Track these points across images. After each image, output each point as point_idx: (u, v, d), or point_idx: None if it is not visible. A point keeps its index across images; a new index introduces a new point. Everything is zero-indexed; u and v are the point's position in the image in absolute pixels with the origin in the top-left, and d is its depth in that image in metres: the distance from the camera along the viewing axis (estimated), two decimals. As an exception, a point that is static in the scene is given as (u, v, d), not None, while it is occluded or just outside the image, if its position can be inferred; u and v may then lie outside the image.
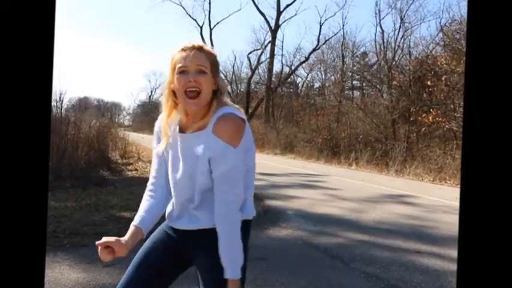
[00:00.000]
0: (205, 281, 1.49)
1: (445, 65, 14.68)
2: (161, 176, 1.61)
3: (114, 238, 1.46)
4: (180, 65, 1.45)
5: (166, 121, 1.53)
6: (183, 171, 1.49)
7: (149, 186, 1.65)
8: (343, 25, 34.89)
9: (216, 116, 1.43)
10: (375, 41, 22.79)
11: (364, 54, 26.21)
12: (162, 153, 1.57)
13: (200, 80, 1.43)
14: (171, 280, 1.60)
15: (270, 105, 27.81)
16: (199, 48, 1.48)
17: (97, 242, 1.46)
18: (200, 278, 1.52)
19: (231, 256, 1.41)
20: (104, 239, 1.45)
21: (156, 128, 1.61)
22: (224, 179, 1.43)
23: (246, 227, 1.49)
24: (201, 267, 1.52)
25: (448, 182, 11.41)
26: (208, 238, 1.47)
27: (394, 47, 20.43)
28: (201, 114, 1.47)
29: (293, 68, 29.77)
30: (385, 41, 21.41)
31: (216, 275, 1.42)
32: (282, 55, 33.79)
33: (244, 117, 1.49)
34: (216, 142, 1.41)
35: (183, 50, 1.47)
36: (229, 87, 31.55)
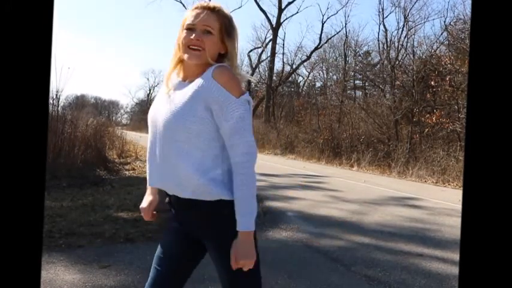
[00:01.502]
0: (216, 264, 1.49)
1: (449, 65, 14.68)
2: None
3: (146, 206, 1.66)
4: (188, 22, 1.48)
5: (169, 73, 1.55)
6: (171, 115, 1.43)
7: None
8: (346, 23, 35.04)
9: (214, 67, 1.44)
10: (378, 40, 22.87)
11: (367, 53, 26.25)
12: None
13: (204, 39, 1.45)
14: (195, 264, 1.61)
15: (270, 104, 27.81)
16: (212, 9, 1.49)
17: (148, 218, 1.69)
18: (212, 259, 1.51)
19: (246, 208, 1.38)
20: (145, 211, 1.67)
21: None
22: (232, 132, 1.39)
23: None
24: (208, 250, 1.51)
25: (452, 184, 11.40)
26: (201, 212, 1.44)
27: (398, 46, 20.45)
28: (198, 71, 1.47)
29: (294, 66, 29.81)
30: (388, 40, 21.43)
31: (224, 257, 1.42)
32: (283, 53, 33.78)
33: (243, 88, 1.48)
34: (217, 87, 1.39)
35: (196, 8, 1.50)
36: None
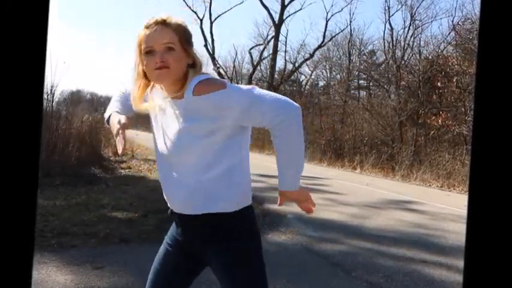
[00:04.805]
0: (226, 279, 1.48)
1: (456, 66, 14.70)
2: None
3: (121, 125, 1.48)
4: (144, 45, 1.40)
5: (138, 98, 1.51)
6: (175, 143, 1.44)
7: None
8: (351, 21, 34.84)
9: (193, 84, 1.40)
10: (384, 39, 22.85)
11: (372, 52, 26.24)
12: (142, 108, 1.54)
13: (168, 59, 1.38)
14: (192, 280, 1.61)
15: (271, 103, 27.78)
16: (163, 23, 1.41)
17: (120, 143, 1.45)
18: (219, 277, 1.51)
19: (295, 166, 1.47)
20: (120, 135, 1.46)
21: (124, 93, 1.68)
22: (252, 109, 1.39)
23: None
24: (216, 266, 1.50)
25: (457, 188, 11.41)
26: (215, 227, 1.44)
27: (404, 46, 20.47)
28: (176, 88, 1.43)
29: (297, 65, 29.75)
30: (394, 39, 21.45)
31: (235, 272, 1.45)
32: (286, 51, 33.61)
33: (225, 81, 1.47)
34: (206, 99, 1.37)
35: (147, 27, 1.42)
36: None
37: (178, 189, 1.46)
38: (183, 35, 1.43)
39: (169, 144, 1.45)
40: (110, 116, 1.58)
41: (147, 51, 1.40)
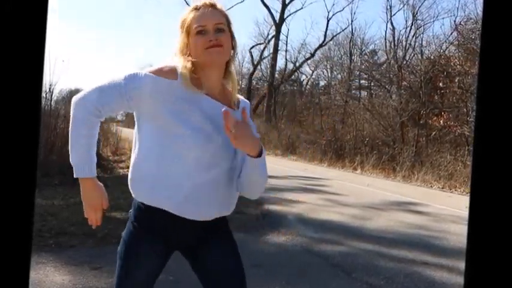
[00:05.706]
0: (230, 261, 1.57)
1: (458, 66, 14.69)
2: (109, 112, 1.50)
3: (100, 204, 1.68)
4: (196, 25, 1.40)
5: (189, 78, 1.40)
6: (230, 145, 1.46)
7: (97, 111, 1.45)
8: (352, 21, 34.95)
9: (247, 103, 1.60)
10: (385, 39, 22.84)
11: (373, 52, 26.25)
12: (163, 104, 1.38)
13: (221, 39, 1.41)
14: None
15: (272, 103, 27.81)
16: (214, 6, 1.46)
17: (94, 223, 1.65)
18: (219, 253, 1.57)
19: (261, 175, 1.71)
20: (95, 217, 1.68)
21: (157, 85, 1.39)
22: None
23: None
24: (218, 251, 1.57)
25: (459, 189, 11.40)
26: (218, 222, 1.55)
27: (405, 46, 20.46)
28: (221, 77, 1.49)
29: (298, 64, 29.78)
30: (395, 38, 21.42)
31: (237, 252, 1.59)
32: (286, 51, 33.62)
33: None
34: (253, 124, 1.57)
35: (196, 8, 1.44)
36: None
37: (217, 195, 1.50)
38: (228, 19, 1.50)
39: (224, 148, 1.47)
40: (80, 166, 1.55)
41: (199, 31, 1.40)
